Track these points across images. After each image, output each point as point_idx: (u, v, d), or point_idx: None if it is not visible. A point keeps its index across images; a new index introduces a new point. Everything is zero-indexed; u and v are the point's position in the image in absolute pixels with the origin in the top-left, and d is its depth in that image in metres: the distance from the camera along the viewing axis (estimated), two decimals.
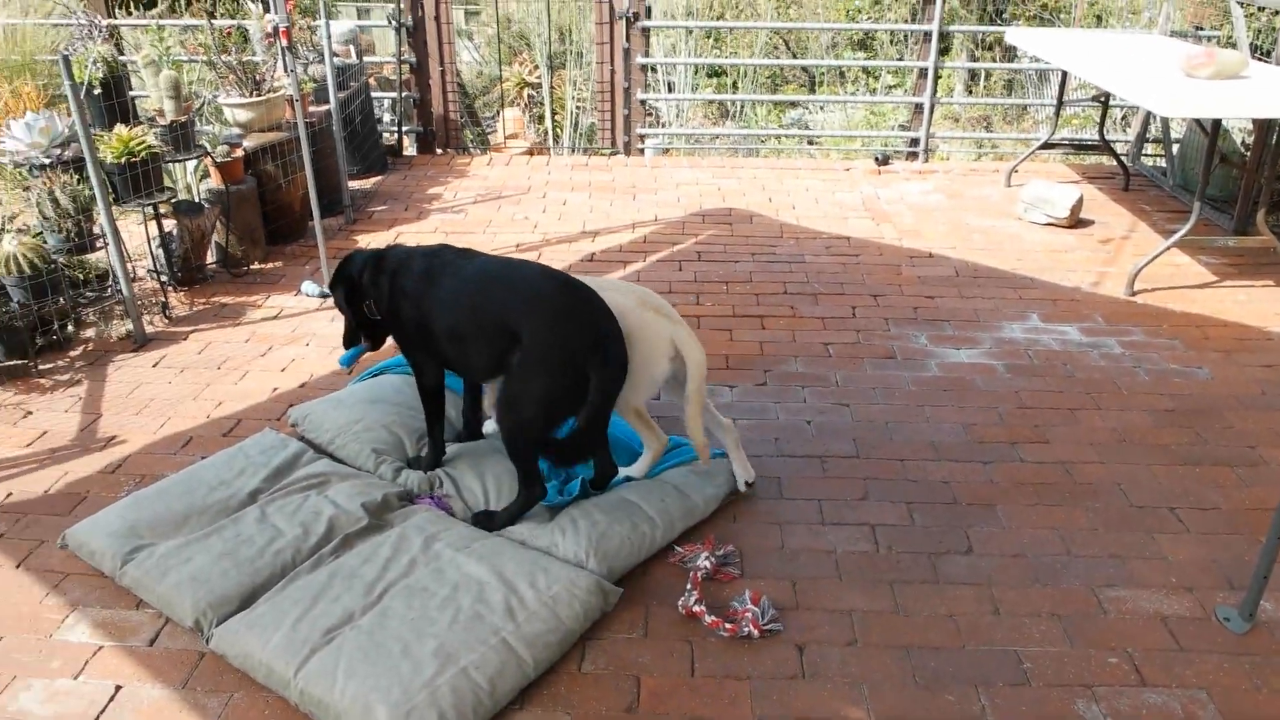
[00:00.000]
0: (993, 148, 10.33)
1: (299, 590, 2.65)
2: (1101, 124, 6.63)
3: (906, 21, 11.92)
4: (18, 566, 2.93)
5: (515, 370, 2.87)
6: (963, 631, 2.69)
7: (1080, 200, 5.81)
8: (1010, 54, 11.53)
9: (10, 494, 3.29)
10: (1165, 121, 6.52)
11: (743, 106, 11.82)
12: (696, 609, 2.68)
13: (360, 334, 3.30)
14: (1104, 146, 6.61)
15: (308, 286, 4.87)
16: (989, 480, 3.38)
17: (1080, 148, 7.27)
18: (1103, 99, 6.56)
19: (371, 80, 7.39)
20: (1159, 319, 4.62)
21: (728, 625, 2.64)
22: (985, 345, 4.37)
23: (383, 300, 3.15)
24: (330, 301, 4.78)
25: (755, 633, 2.63)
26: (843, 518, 3.17)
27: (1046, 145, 6.65)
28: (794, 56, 12.43)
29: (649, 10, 7.19)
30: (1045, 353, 4.30)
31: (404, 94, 7.33)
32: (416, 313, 3.08)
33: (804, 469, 3.43)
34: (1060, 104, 6.60)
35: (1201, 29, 7.81)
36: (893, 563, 2.96)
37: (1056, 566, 2.95)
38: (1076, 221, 5.84)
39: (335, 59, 5.57)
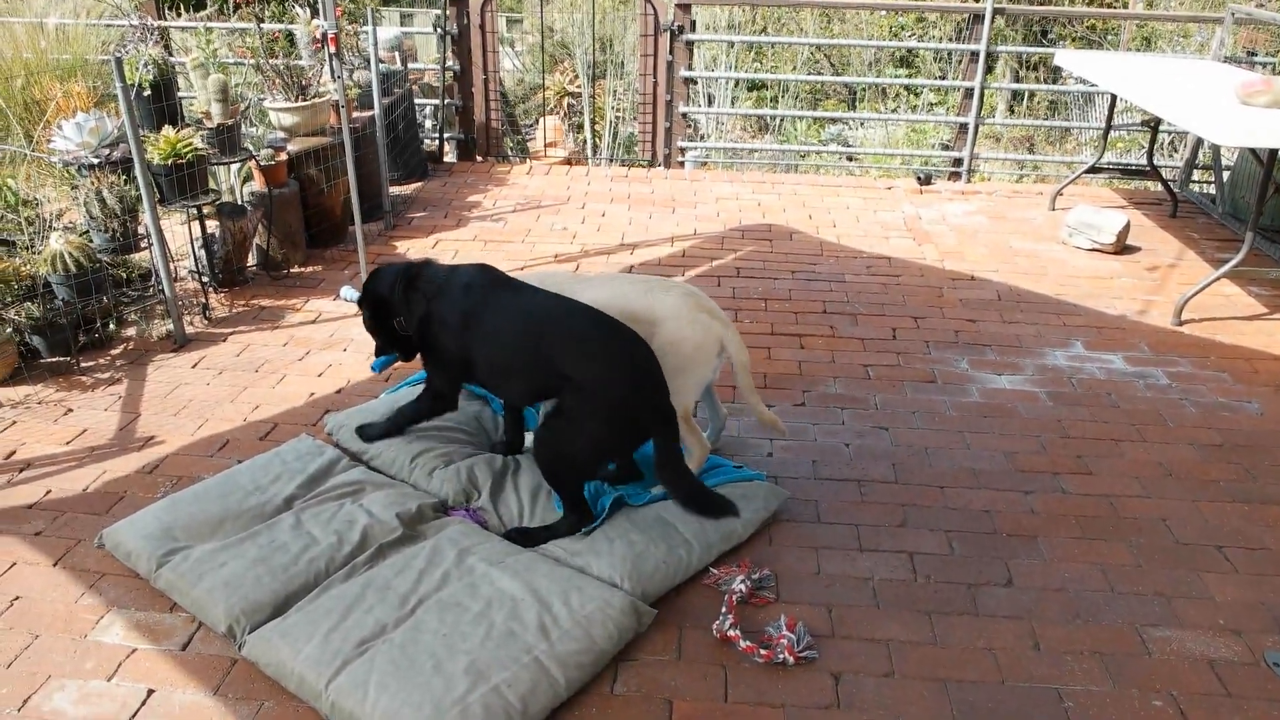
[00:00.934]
0: (1034, 169, 10.22)
1: (332, 600, 2.64)
2: (1150, 149, 6.53)
3: (951, 40, 11.84)
4: (55, 564, 2.95)
5: (567, 410, 2.88)
6: (1002, 666, 2.63)
7: (1127, 226, 5.72)
8: (1055, 75, 11.42)
9: (49, 491, 3.32)
10: (1215, 148, 6.41)
11: (781, 121, 11.78)
12: (731, 633, 2.64)
13: (390, 347, 3.32)
14: (1152, 172, 6.51)
15: (346, 291, 4.88)
16: (1030, 511, 3.32)
17: (1127, 172, 7.16)
18: (1152, 124, 6.46)
19: (414, 86, 7.43)
20: (1207, 350, 4.53)
21: (763, 651, 2.60)
22: (1028, 371, 4.30)
23: (413, 321, 3.15)
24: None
25: (790, 659, 2.59)
26: (880, 544, 3.12)
27: (1093, 169, 6.56)
28: (836, 72, 12.37)
29: (693, 24, 7.18)
30: (1089, 381, 4.23)
31: (446, 101, 7.37)
32: (454, 344, 3.09)
33: (841, 493, 3.38)
34: (1108, 128, 6.51)
35: (1255, 54, 7.69)
36: (931, 592, 2.91)
37: (1099, 603, 2.88)
38: (1122, 248, 5.75)
39: (380, 65, 5.59)
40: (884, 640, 2.71)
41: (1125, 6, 12.21)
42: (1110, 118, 6.50)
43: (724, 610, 2.72)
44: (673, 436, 2.90)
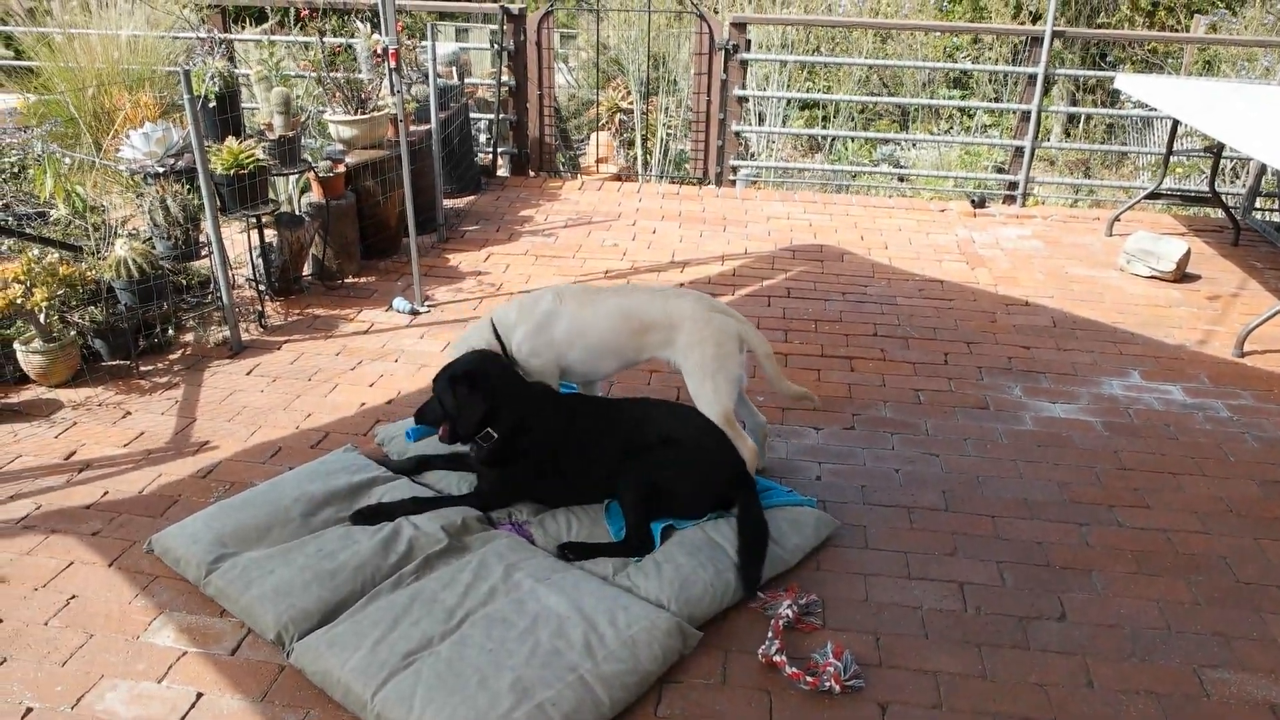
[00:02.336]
0: (1090, 194, 10.07)
1: (379, 610, 2.65)
2: (1213, 176, 6.40)
3: (1006, 61, 11.72)
4: (110, 565, 3.00)
5: (667, 464, 3.07)
6: (1054, 703, 2.58)
7: (1187, 254, 5.60)
8: (1113, 98, 11.24)
9: (107, 492, 3.38)
10: None
11: (832, 141, 11.73)
12: (777, 659, 2.62)
13: (445, 422, 3.18)
14: (1214, 199, 6.38)
15: (399, 303, 4.94)
16: (1084, 544, 3.25)
17: (1188, 199, 7.02)
18: (1215, 150, 6.34)
19: (470, 100, 7.51)
20: (1270, 383, 4.42)
21: (809, 678, 2.57)
22: (1083, 401, 4.22)
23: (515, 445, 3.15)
24: (418, 319, 4.84)
25: (836, 688, 2.55)
26: (930, 573, 3.07)
27: (1153, 195, 6.44)
28: (889, 92, 12.30)
29: (748, 43, 7.18)
30: (1146, 412, 4.14)
31: (501, 115, 7.44)
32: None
33: (891, 519, 3.34)
34: (1169, 153, 6.39)
35: None
36: (982, 624, 2.86)
37: (1155, 641, 2.81)
38: (1182, 276, 5.63)
39: (438, 80, 5.67)
40: (932, 671, 2.67)
41: (1187, 30, 12.00)
42: (1171, 143, 6.38)
43: (770, 635, 2.70)
44: (753, 498, 3.06)
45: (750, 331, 3.36)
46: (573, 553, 2.95)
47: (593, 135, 10.50)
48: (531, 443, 3.13)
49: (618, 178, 8.14)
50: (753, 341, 3.35)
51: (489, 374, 3.11)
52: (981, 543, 3.23)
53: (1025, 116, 7.10)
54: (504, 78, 7.29)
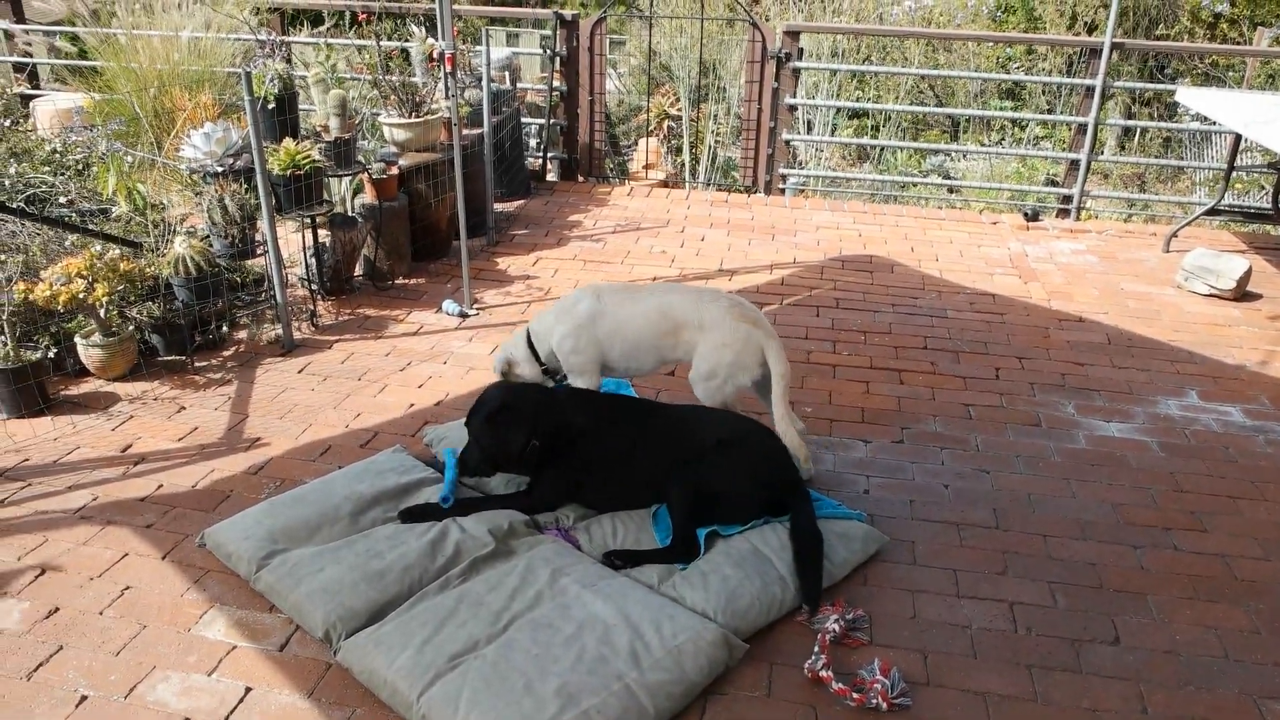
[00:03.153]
0: (1145, 208, 9.88)
1: (426, 612, 2.67)
2: (1276, 192, 6.26)
3: (1060, 72, 11.56)
4: (163, 558, 3.05)
5: (719, 465, 3.08)
6: None
7: (1248, 272, 5.48)
8: (1171, 111, 11.04)
9: (161, 485, 3.44)
10: None
11: (881, 150, 11.64)
12: (823, 674, 2.59)
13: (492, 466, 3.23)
14: (1277, 215, 6.23)
15: (448, 305, 4.97)
16: (1139, 566, 3.18)
17: (1249, 215, 6.87)
18: (1278, 165, 6.19)
19: (521, 105, 7.56)
20: None
21: (855, 695, 2.54)
22: (1138, 420, 4.14)
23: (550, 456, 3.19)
24: (467, 321, 4.87)
25: (883, 705, 2.52)
26: (980, 591, 3.02)
27: (1213, 211, 6.31)
28: (939, 102, 12.19)
29: (800, 51, 7.15)
30: (1204, 433, 4.05)
31: (552, 121, 7.47)
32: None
33: (940, 535, 3.29)
34: (1230, 168, 6.26)
35: None
36: (1032, 645, 2.81)
37: (1213, 669, 2.74)
38: (1242, 294, 5.51)
39: (491, 84, 5.70)
40: (981, 693, 2.62)
41: (1249, 43, 11.75)
42: (1233, 158, 6.25)
43: (816, 649, 2.67)
44: (805, 505, 3.07)
45: (775, 347, 3.38)
46: (620, 560, 2.94)
47: (640, 141, 10.52)
48: (573, 445, 3.17)
49: (665, 184, 8.13)
50: (773, 358, 3.36)
51: (516, 403, 3.19)
52: (1033, 562, 3.18)
53: (1081, 129, 7.00)
54: (555, 83, 7.32)
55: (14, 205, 4.53)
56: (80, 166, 5.21)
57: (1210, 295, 5.54)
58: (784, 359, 3.37)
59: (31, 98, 7.26)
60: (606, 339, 3.48)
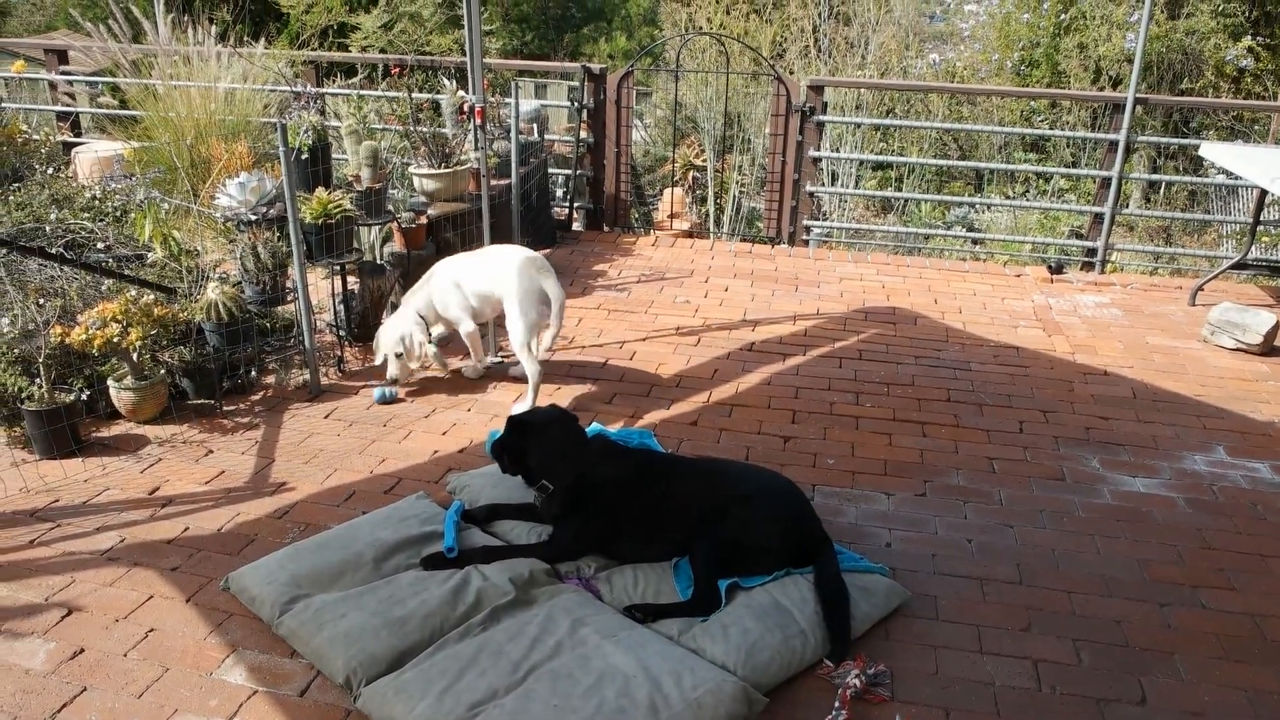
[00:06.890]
0: (1170, 261, 9.86)
1: (446, 660, 2.67)
2: None
3: (1085, 126, 11.61)
4: (187, 601, 3.07)
5: (742, 518, 3.12)
6: None
7: (1276, 326, 5.45)
8: (1196, 164, 11.04)
9: (187, 528, 3.48)
10: None
11: (905, 202, 11.70)
12: None
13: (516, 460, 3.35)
14: None
15: None
16: (1166, 625, 3.14)
17: (1276, 269, 6.84)
18: None
19: (548, 156, 7.68)
20: None
21: None
22: (1164, 475, 4.11)
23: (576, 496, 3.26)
24: (493, 368, 4.92)
25: None
26: (1003, 648, 2.99)
27: (1239, 265, 6.29)
28: (963, 154, 12.26)
29: (824, 105, 7.24)
30: (1232, 490, 4.01)
31: (578, 171, 7.58)
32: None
33: (963, 590, 3.27)
34: (1256, 222, 6.25)
35: None
36: (1057, 704, 2.77)
37: None
38: (1270, 349, 5.47)
39: (519, 136, 5.81)
40: None
41: (1275, 98, 11.77)
42: (1259, 212, 6.25)
43: (837, 705, 2.65)
44: (830, 556, 3.12)
45: (551, 283, 4.38)
46: (641, 613, 2.94)
47: (665, 190, 10.64)
48: (595, 496, 3.20)
49: (689, 234, 8.21)
50: (550, 289, 4.37)
51: (533, 424, 3.33)
52: (1057, 619, 3.14)
53: (1105, 183, 7.02)
54: (583, 134, 7.44)
55: (54, 250, 4.65)
56: (119, 213, 5.34)
57: (1237, 349, 5.50)
58: (560, 287, 4.38)
59: (73, 145, 7.46)
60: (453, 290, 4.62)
